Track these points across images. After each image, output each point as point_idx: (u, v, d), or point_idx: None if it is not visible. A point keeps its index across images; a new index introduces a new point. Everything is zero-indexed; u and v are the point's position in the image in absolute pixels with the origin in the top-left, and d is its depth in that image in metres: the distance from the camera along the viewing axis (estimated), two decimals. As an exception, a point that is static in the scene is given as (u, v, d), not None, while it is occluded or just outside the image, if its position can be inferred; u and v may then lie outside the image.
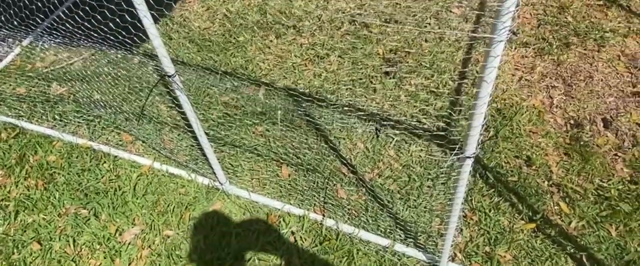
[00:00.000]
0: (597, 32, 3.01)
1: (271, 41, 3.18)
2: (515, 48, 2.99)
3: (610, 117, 2.57)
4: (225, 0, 3.52)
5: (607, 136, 2.49)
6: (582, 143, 2.46)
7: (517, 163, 2.41)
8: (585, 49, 2.94)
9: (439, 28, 3.12)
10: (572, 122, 2.57)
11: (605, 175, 2.32)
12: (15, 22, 3.07)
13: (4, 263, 2.24)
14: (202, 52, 3.15)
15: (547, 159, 2.41)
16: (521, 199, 2.27)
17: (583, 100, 2.66)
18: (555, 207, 2.23)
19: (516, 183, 2.33)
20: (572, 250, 2.09)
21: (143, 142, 2.65)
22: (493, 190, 2.31)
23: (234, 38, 3.22)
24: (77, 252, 2.24)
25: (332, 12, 3.31)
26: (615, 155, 2.41)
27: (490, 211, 2.23)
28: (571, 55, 2.90)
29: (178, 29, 3.33)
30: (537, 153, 2.43)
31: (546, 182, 2.32)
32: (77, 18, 2.74)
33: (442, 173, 2.37)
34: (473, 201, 2.27)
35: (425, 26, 3.14)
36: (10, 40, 3.31)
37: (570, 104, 2.65)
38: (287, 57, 3.05)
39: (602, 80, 2.76)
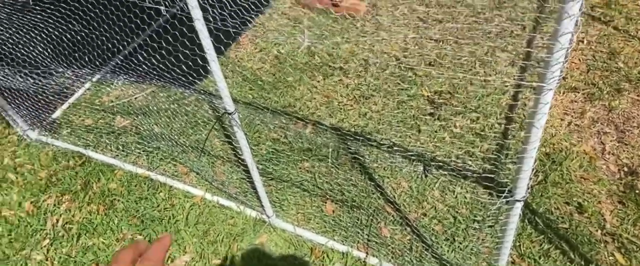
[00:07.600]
0: (650, 78, 2.95)
1: (319, 81, 3.32)
2: (564, 92, 2.97)
3: (668, 165, 2.48)
4: (276, 42, 3.74)
5: (665, 185, 2.39)
6: (637, 191, 2.37)
7: (568, 209, 2.35)
8: (638, 95, 2.88)
9: (485, 72, 3.16)
10: (626, 169, 2.50)
11: (664, 226, 2.22)
12: (88, 59, 3.39)
13: (64, 282, 2.39)
14: (253, 91, 3.33)
15: (600, 207, 2.34)
16: (573, 247, 2.20)
17: (637, 147, 2.58)
18: (610, 258, 2.15)
19: (567, 230, 2.27)
20: (629, 304, 1.99)
21: (197, 173, 2.81)
22: (543, 236, 2.26)
23: (284, 78, 3.40)
24: (131, 276, 2.36)
25: (377, 54, 3.43)
26: (675, 205, 2.30)
27: (540, 258, 2.17)
28: (623, 101, 2.85)
29: (232, 68, 3.56)
30: (589, 201, 2.36)
31: (599, 231, 2.25)
32: (141, 58, 3.00)
33: (490, 216, 2.34)
34: (522, 247, 2.22)
35: (471, 70, 3.19)
36: (83, 76, 3.64)
37: (624, 151, 2.58)
38: (334, 97, 3.17)
39: (657, 127, 2.68)
